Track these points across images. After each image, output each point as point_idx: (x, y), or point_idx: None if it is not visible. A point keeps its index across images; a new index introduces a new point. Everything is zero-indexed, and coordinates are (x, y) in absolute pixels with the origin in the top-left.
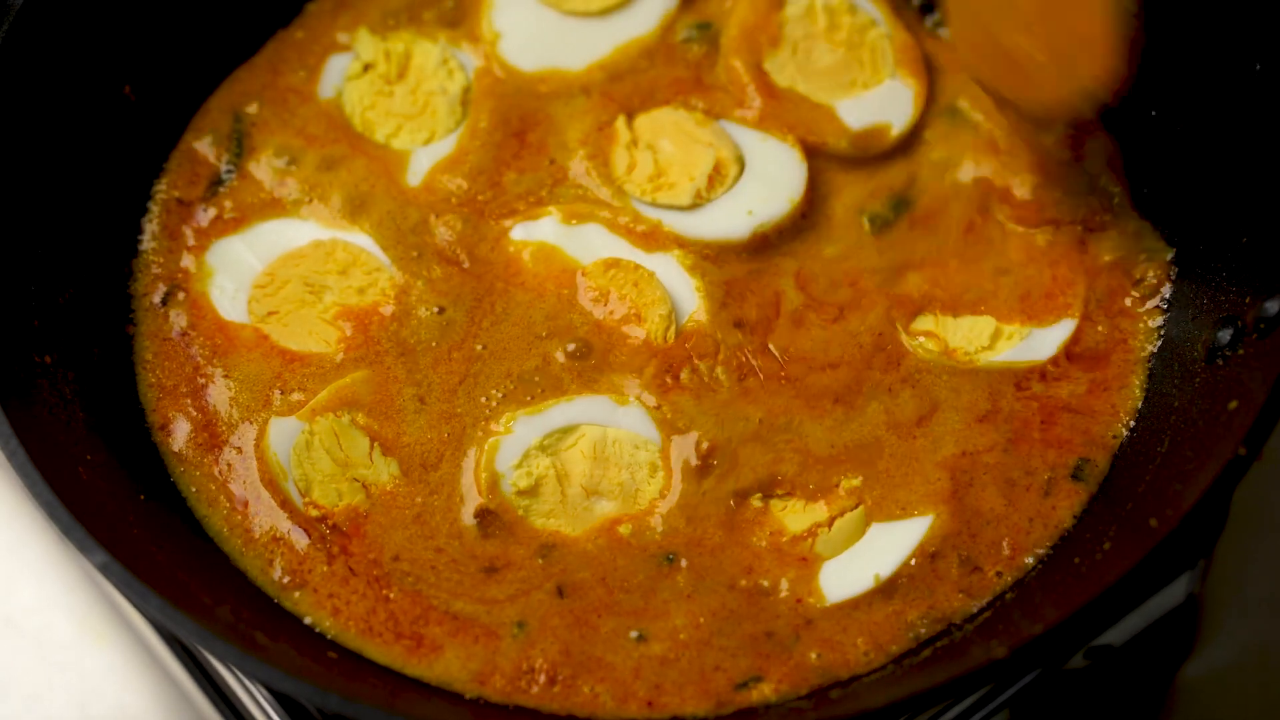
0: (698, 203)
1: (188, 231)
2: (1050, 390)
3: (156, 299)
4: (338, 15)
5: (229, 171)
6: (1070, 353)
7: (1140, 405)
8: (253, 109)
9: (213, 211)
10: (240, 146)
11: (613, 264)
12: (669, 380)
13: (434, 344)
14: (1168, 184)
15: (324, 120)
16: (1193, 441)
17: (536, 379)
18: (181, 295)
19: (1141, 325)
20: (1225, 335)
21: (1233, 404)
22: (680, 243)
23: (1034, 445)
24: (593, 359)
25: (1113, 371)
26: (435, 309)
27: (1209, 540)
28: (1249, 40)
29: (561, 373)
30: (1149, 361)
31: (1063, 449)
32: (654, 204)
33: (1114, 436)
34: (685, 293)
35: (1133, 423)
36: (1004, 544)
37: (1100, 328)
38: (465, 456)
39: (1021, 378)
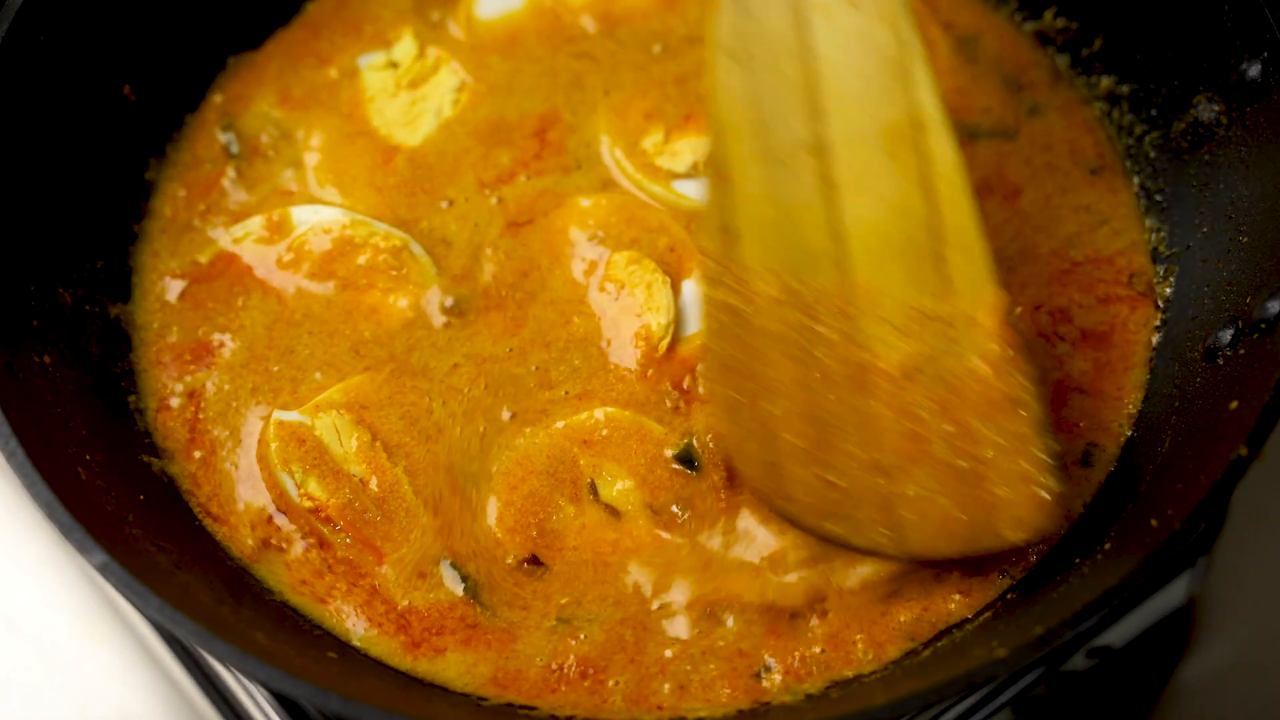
0: (692, 173)
1: (186, 232)
2: (1065, 367)
3: (155, 299)
4: (338, 15)
5: (227, 171)
6: (1073, 335)
7: (1141, 404)
8: (253, 108)
9: (211, 211)
10: (239, 146)
11: (636, 260)
12: (683, 395)
13: (441, 351)
14: (1168, 181)
15: (325, 116)
16: (1193, 441)
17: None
18: (180, 295)
19: (1141, 310)
20: (1225, 335)
21: (1233, 404)
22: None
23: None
24: (589, 372)
25: (1116, 353)
26: (446, 310)
27: (1209, 540)
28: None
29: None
30: (1152, 346)
31: (1072, 434)
32: (652, 163)
33: (1118, 425)
34: (695, 315)
35: (1133, 423)
36: None
37: (1099, 309)
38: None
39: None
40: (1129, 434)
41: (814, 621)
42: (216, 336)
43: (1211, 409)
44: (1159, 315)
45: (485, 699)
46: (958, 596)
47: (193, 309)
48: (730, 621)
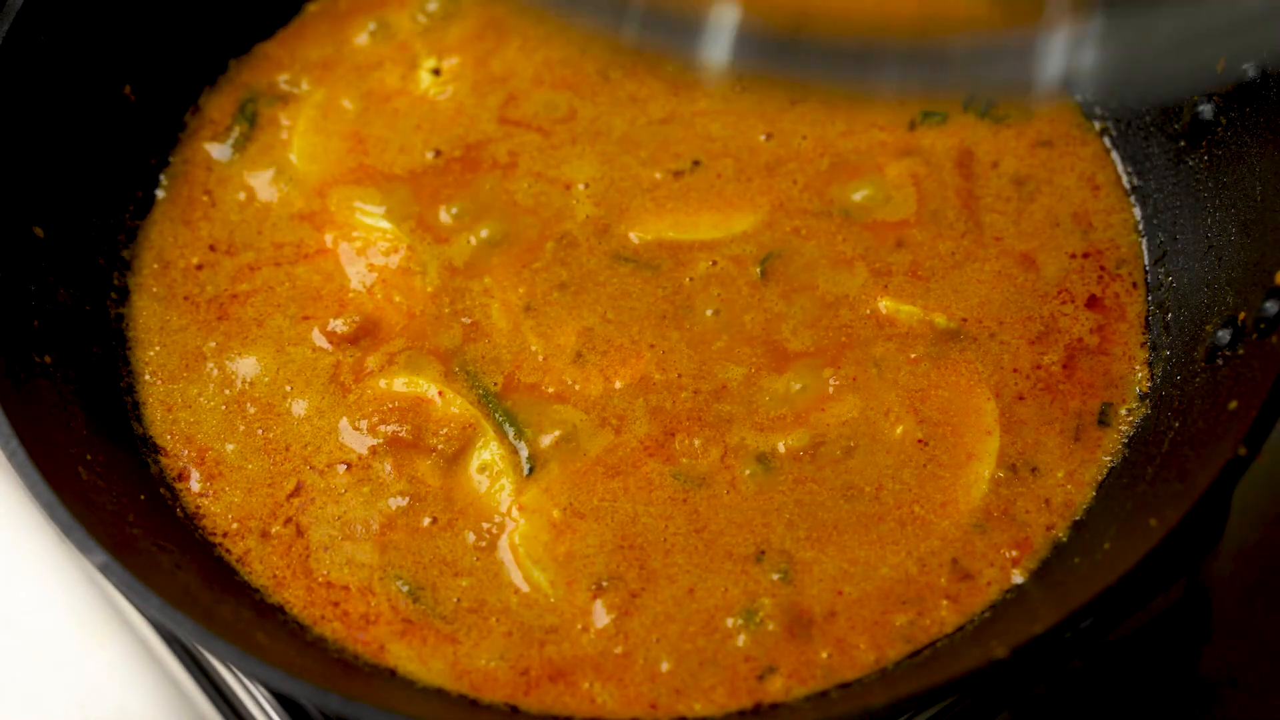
0: None
1: (186, 231)
2: (1071, 335)
3: (156, 299)
4: (338, 14)
5: (228, 171)
6: (1082, 299)
7: (1140, 411)
8: (253, 108)
9: (211, 210)
10: (239, 147)
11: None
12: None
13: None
14: (1166, 181)
15: (323, 118)
16: (1193, 441)
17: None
18: (181, 295)
19: (1140, 309)
20: (1225, 335)
21: (1233, 404)
22: None
23: (1057, 395)
24: None
25: (1114, 351)
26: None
27: (1209, 540)
28: None
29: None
30: (1150, 345)
31: (1087, 396)
32: None
33: (1129, 378)
34: None
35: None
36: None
37: (1097, 308)
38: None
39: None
40: (1130, 435)
41: (825, 626)
42: (214, 343)
43: (1211, 409)
44: (1158, 315)
45: (479, 698)
46: (952, 602)
47: (191, 312)
48: (749, 622)
